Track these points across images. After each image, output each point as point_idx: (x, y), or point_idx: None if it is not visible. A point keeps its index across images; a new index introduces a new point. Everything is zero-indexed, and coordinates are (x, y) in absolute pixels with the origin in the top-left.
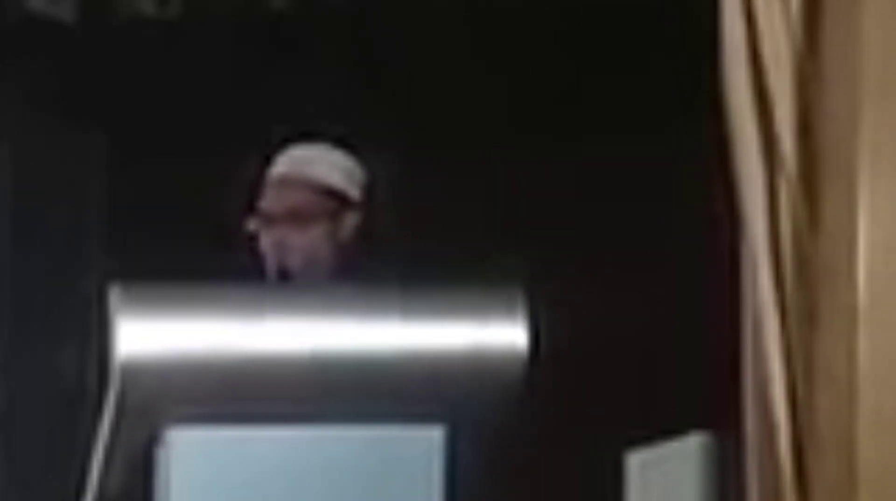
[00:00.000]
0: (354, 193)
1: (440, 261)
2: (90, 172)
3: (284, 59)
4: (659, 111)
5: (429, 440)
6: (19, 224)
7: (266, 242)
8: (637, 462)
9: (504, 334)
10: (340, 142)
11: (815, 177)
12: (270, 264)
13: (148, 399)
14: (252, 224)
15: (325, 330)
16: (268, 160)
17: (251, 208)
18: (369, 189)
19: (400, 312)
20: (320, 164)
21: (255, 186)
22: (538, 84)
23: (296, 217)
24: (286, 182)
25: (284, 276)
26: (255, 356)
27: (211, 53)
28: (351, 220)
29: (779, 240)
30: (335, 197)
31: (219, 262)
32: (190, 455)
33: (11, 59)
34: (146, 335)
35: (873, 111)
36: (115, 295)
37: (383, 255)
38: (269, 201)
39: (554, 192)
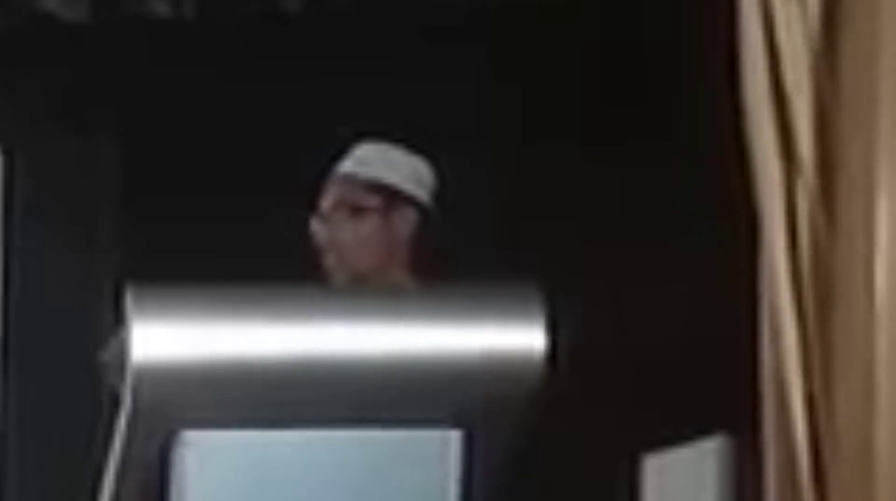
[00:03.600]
0: (412, 190)
1: (457, 263)
2: (104, 174)
3: (298, 62)
4: (677, 114)
5: (445, 443)
6: (32, 227)
7: (321, 238)
8: (654, 466)
9: (522, 337)
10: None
11: (833, 177)
12: (326, 260)
13: (162, 402)
14: (314, 224)
15: (341, 333)
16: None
17: (312, 208)
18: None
19: (417, 314)
20: (375, 161)
21: (314, 188)
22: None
23: (346, 211)
24: (339, 180)
25: (338, 271)
26: (271, 359)
27: (226, 55)
28: (405, 216)
29: (796, 241)
30: (386, 192)
31: (234, 265)
32: (205, 458)
33: (23, 59)
34: (160, 337)
35: (891, 110)
36: (129, 298)
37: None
38: (323, 199)
39: (573, 195)
